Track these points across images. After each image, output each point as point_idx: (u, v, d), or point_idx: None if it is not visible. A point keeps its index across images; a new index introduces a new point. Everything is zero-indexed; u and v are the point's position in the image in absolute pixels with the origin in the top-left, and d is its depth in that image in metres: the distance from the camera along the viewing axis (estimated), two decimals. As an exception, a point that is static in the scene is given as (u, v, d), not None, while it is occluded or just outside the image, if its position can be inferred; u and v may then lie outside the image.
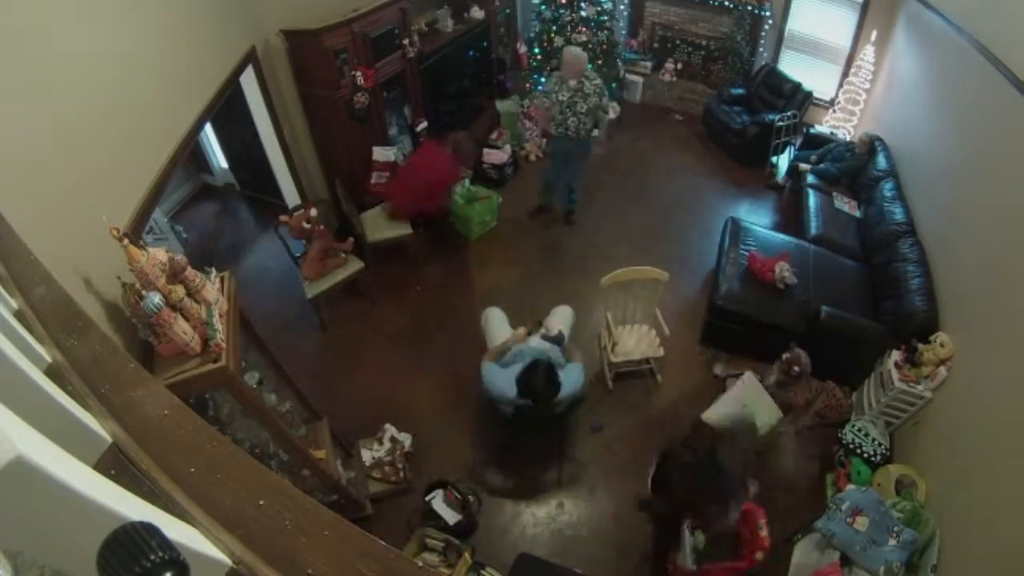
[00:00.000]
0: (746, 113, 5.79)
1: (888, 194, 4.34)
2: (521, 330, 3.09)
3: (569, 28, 5.74)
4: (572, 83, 3.94)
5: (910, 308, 3.40)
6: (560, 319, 3.40)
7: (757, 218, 4.97)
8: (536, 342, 3.05)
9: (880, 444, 3.17)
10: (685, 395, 3.72)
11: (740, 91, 5.95)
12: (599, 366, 3.82)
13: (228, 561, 0.63)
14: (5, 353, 0.72)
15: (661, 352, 3.57)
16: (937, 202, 3.89)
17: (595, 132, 4.16)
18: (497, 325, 3.39)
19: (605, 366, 3.74)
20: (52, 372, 0.89)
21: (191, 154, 4.47)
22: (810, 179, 4.95)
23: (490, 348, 3.15)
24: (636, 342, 3.60)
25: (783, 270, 3.77)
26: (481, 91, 5.53)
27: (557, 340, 3.05)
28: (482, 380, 2.90)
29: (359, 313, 4.23)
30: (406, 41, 4.25)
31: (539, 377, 2.67)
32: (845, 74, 5.61)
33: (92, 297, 1.79)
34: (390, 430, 3.31)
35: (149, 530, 0.44)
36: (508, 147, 5.45)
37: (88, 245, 1.77)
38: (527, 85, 6.22)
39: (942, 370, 3.07)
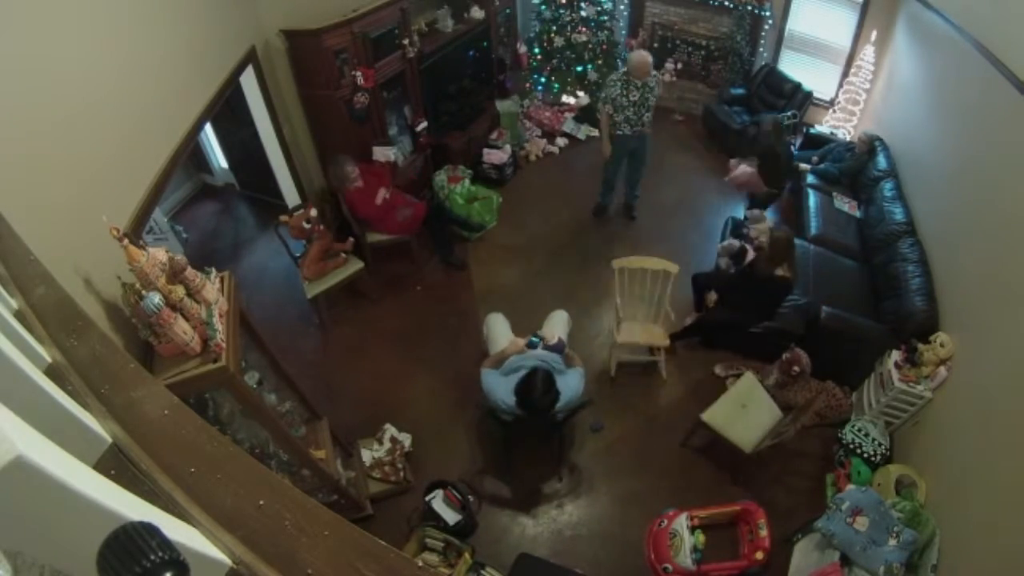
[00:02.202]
0: (746, 113, 5.79)
1: (888, 194, 4.34)
2: (520, 341, 3.08)
3: (569, 28, 5.75)
4: (639, 82, 4.26)
5: (910, 308, 3.40)
6: (556, 325, 3.38)
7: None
8: (538, 352, 3.04)
9: (880, 444, 3.17)
10: (686, 397, 3.72)
11: (740, 91, 5.95)
12: (602, 362, 3.81)
13: (228, 561, 0.63)
14: (5, 353, 0.71)
15: (667, 342, 3.57)
16: (937, 202, 3.88)
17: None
18: (500, 331, 3.37)
19: (611, 357, 3.73)
20: (52, 372, 0.89)
21: (191, 154, 4.47)
22: (810, 179, 4.95)
23: (491, 354, 3.14)
24: (642, 331, 3.60)
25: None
26: (481, 91, 5.52)
27: (558, 348, 3.05)
28: (482, 387, 2.89)
29: (359, 313, 4.23)
30: (406, 41, 4.25)
31: (537, 387, 2.65)
32: (845, 74, 5.61)
33: (92, 297, 1.79)
34: (390, 430, 3.31)
35: (149, 530, 0.44)
36: (508, 147, 5.45)
37: (88, 245, 1.77)
38: (527, 85, 6.23)
39: (942, 370, 3.07)
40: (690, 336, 3.95)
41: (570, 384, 2.82)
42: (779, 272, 3.38)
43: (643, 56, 4.24)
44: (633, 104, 4.32)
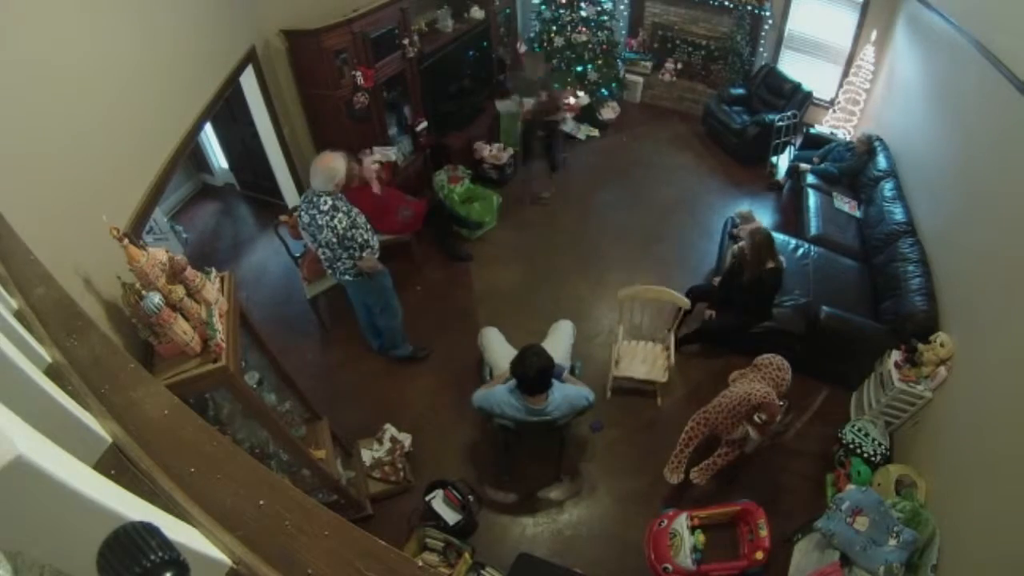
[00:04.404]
0: (746, 113, 5.79)
1: (888, 194, 4.34)
2: None
3: (569, 28, 5.76)
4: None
5: (910, 308, 3.40)
6: (560, 339, 3.26)
7: (757, 218, 4.96)
8: None
9: (880, 444, 3.17)
10: (686, 397, 3.72)
11: (740, 91, 5.95)
12: (602, 364, 3.79)
13: (228, 561, 0.63)
14: (5, 353, 0.71)
15: (666, 378, 3.46)
16: (937, 202, 3.88)
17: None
18: (495, 346, 3.30)
19: (608, 380, 3.65)
20: (52, 372, 0.89)
21: (191, 154, 4.48)
22: (810, 179, 4.95)
23: (489, 379, 3.05)
24: (643, 361, 3.53)
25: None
26: (481, 91, 5.52)
27: (558, 374, 2.88)
28: (474, 405, 2.77)
29: (359, 313, 4.22)
30: (406, 41, 4.25)
31: (529, 355, 2.49)
32: (845, 74, 5.61)
33: (92, 297, 1.79)
34: (390, 430, 3.31)
35: (149, 530, 0.44)
36: (508, 147, 5.45)
37: (88, 245, 1.77)
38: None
39: (942, 370, 3.07)
40: (692, 343, 3.93)
41: (579, 393, 2.72)
42: (769, 265, 3.37)
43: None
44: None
